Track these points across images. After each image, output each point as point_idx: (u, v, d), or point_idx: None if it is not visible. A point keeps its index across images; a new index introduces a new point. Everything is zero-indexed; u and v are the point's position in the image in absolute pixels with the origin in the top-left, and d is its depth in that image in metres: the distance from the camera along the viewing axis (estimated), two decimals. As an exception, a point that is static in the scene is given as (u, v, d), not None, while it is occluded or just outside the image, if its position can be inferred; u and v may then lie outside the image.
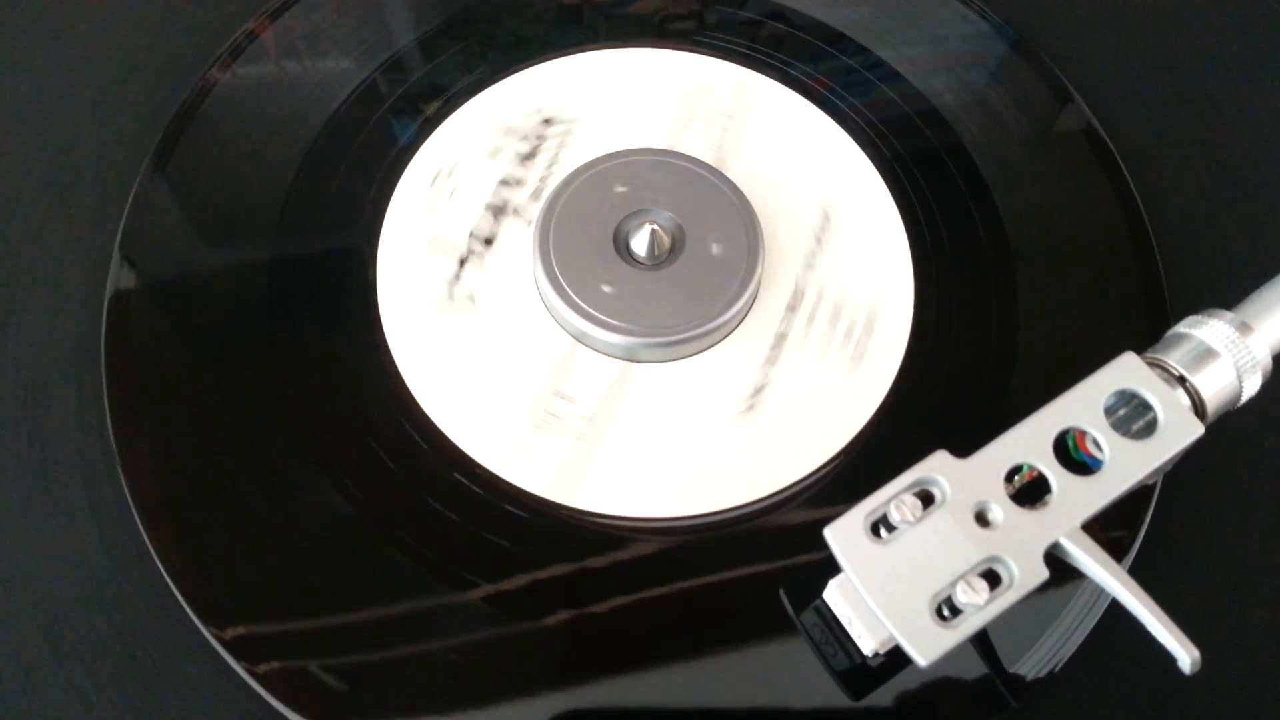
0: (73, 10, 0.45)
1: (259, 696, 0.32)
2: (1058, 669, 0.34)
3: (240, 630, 0.33)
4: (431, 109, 0.42)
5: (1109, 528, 0.36)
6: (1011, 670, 0.34)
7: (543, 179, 0.41)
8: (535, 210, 0.40)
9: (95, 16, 0.45)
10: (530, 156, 0.41)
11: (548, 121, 0.42)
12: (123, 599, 0.34)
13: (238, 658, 0.33)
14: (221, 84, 0.43)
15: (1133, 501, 0.35)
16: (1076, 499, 0.28)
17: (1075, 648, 0.34)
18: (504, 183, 0.41)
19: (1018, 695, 0.33)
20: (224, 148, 0.41)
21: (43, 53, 0.44)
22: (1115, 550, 0.35)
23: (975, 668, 0.33)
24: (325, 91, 0.43)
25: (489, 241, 0.39)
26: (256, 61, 0.44)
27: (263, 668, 0.32)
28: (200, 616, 0.33)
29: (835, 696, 0.32)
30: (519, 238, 0.40)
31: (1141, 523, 0.36)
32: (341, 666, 0.33)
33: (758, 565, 0.35)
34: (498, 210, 0.40)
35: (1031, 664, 0.34)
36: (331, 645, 0.33)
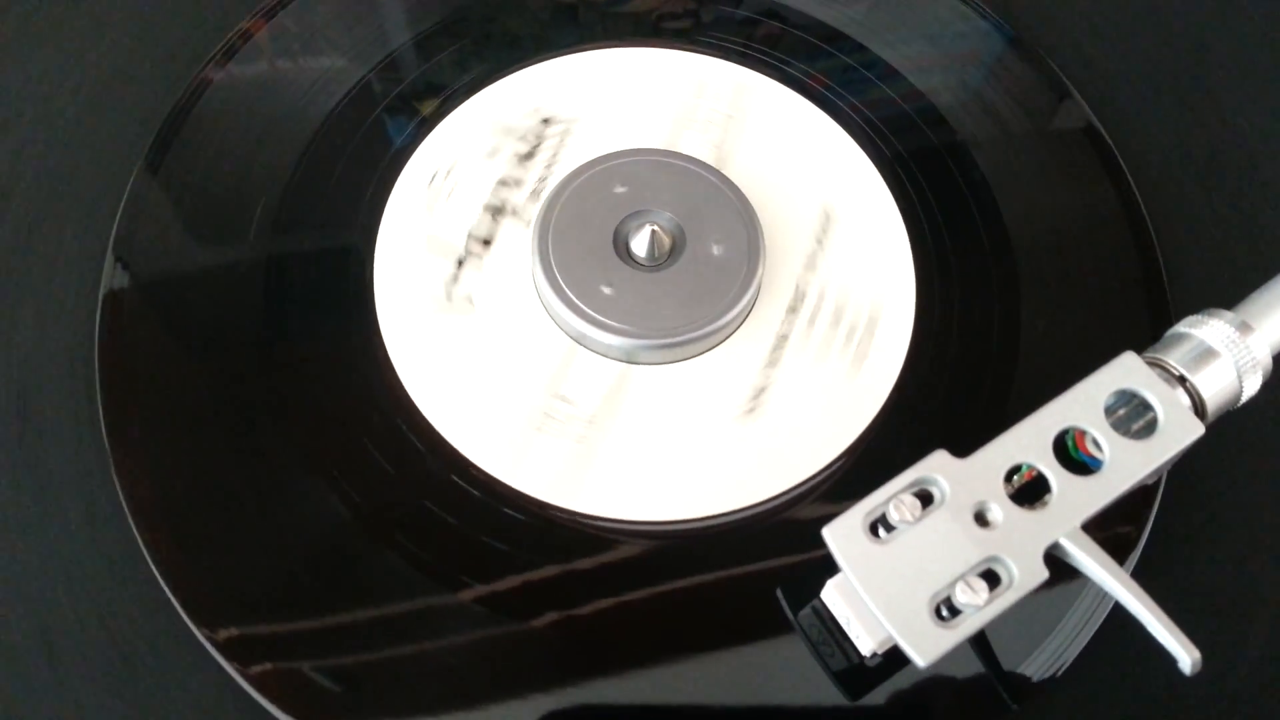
0: (66, 8, 0.45)
1: (251, 698, 0.32)
2: (1060, 673, 0.34)
3: (233, 631, 0.33)
4: (428, 109, 0.42)
5: (1114, 524, 0.35)
6: (1013, 673, 0.33)
7: (541, 179, 0.41)
8: (534, 210, 0.39)
9: (89, 15, 0.45)
10: (529, 156, 0.41)
11: (546, 121, 0.42)
12: (115, 599, 0.34)
13: (230, 659, 0.32)
14: (216, 83, 0.43)
15: (1137, 500, 0.35)
16: (1076, 499, 0.28)
17: (1078, 652, 0.34)
18: (502, 183, 0.40)
19: (1019, 699, 0.33)
20: (219, 147, 0.41)
21: (36, 50, 0.44)
22: (1120, 547, 0.35)
23: (977, 670, 0.33)
24: (321, 91, 0.43)
25: (487, 242, 0.39)
26: (251, 61, 0.43)
27: (255, 669, 0.32)
28: (193, 617, 0.33)
29: (833, 697, 0.32)
30: (517, 238, 0.39)
31: (1146, 521, 0.36)
32: (334, 669, 0.33)
33: (758, 567, 0.35)
34: (496, 211, 0.40)
35: (1034, 667, 0.33)
36: (325, 647, 0.33)
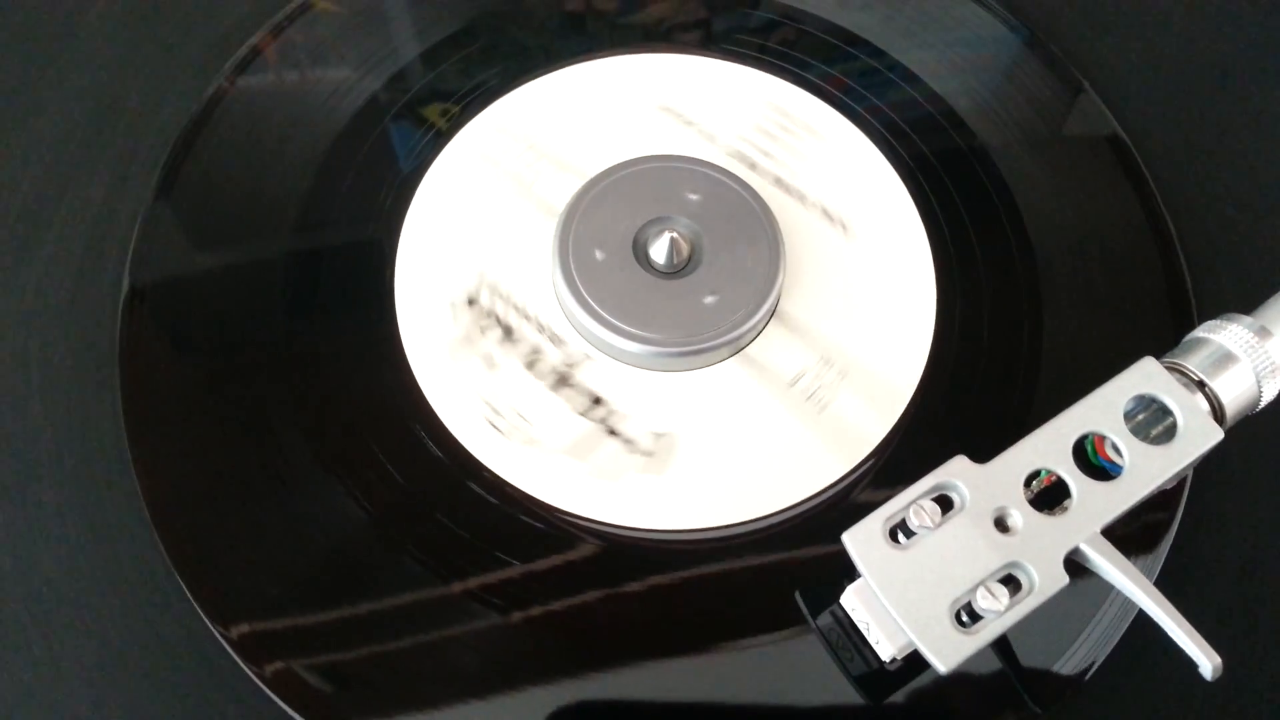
0: (84, 19, 0.46)
1: (266, 696, 0.32)
2: (1085, 679, 0.34)
3: (247, 629, 0.33)
4: (442, 122, 0.42)
5: (1136, 529, 0.35)
6: (1038, 678, 0.33)
7: (541, 329, 0.38)
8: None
9: (106, 26, 0.46)
10: (509, 336, 0.38)
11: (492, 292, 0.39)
12: (132, 597, 0.34)
13: (245, 657, 0.33)
14: (228, 100, 0.43)
15: (1159, 505, 0.35)
16: (1096, 504, 0.28)
17: (1103, 657, 0.34)
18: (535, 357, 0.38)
19: (1043, 704, 0.33)
20: (234, 160, 0.41)
21: (52, 62, 0.44)
22: (1143, 552, 0.35)
23: (1001, 676, 0.33)
24: (338, 103, 0.43)
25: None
26: (262, 73, 0.44)
27: (269, 668, 0.32)
28: (208, 615, 0.33)
29: (853, 702, 0.32)
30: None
31: (1170, 526, 0.36)
32: (349, 669, 0.33)
33: (778, 572, 0.35)
34: (561, 380, 0.38)
35: (1059, 673, 0.33)
36: (339, 647, 0.33)
